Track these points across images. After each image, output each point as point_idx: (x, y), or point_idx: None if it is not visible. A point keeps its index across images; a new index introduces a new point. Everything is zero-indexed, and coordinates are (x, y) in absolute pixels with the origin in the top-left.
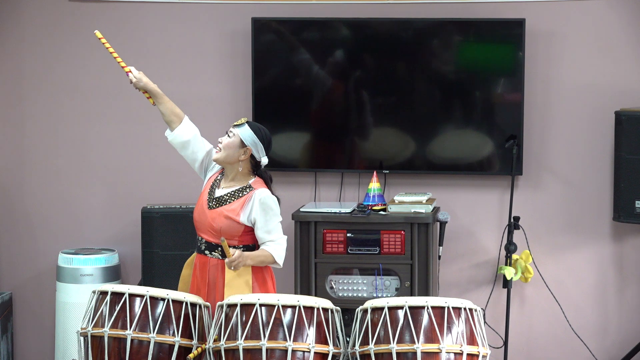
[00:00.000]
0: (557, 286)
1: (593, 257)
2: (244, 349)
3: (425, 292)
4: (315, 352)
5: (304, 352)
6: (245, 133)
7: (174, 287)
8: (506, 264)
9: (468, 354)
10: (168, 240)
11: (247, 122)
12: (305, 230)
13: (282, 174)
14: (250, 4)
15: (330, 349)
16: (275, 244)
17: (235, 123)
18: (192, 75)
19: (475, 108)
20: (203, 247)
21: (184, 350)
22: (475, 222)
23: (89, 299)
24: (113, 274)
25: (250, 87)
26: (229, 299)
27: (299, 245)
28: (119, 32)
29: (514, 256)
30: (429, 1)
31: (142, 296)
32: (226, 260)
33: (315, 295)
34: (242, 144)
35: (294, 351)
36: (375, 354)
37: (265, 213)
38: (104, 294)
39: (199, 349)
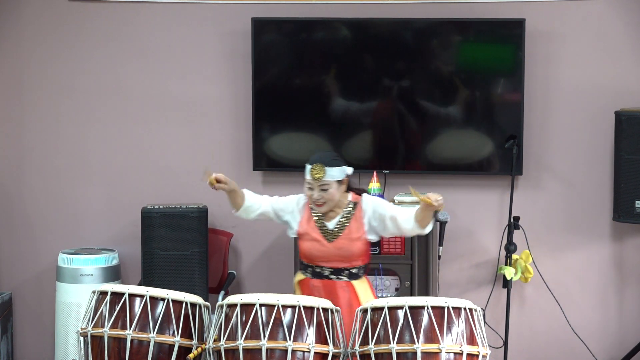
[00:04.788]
0: (557, 286)
1: (593, 257)
2: (244, 349)
3: (425, 292)
4: (315, 352)
5: (303, 352)
6: (334, 172)
7: (174, 287)
8: (506, 264)
9: (468, 354)
10: (168, 240)
11: (321, 164)
12: None
13: (282, 174)
14: (250, 4)
15: (330, 349)
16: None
17: (316, 175)
18: (192, 75)
19: (475, 108)
20: (327, 273)
21: (184, 350)
22: (475, 222)
23: (88, 299)
24: (113, 274)
25: (250, 87)
26: (229, 299)
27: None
28: (119, 32)
29: (514, 256)
30: (429, 1)
31: (142, 296)
32: (436, 199)
33: None
34: (339, 182)
35: (294, 351)
36: (375, 354)
37: (380, 205)
38: (103, 294)
39: (199, 349)
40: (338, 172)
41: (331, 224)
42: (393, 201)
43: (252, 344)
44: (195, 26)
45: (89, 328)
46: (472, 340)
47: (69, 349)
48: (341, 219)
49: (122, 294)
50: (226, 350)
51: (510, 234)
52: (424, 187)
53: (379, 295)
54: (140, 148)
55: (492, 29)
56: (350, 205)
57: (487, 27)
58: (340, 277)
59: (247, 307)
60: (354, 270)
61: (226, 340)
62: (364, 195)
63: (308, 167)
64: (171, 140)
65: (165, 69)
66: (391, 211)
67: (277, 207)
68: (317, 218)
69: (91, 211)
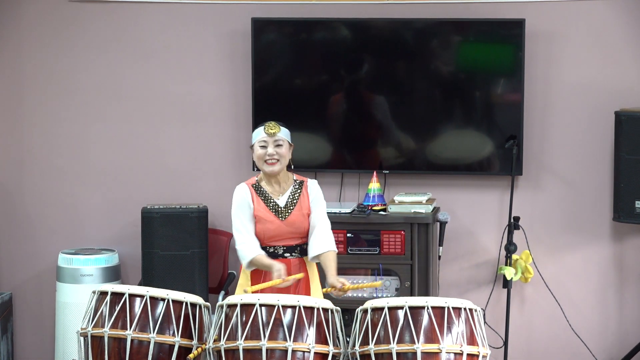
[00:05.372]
0: (557, 286)
1: (593, 257)
2: (244, 349)
3: (425, 292)
4: (315, 352)
5: (304, 352)
6: (286, 132)
7: (174, 287)
8: (506, 264)
9: (468, 354)
10: (168, 240)
11: (276, 122)
12: None
13: None
14: (250, 4)
15: (330, 349)
16: (328, 236)
17: (271, 130)
18: (192, 75)
19: (475, 108)
20: (281, 252)
21: (184, 351)
22: (475, 222)
23: (89, 299)
24: (113, 274)
25: (250, 87)
26: (229, 299)
27: None
28: (119, 32)
29: (514, 256)
30: (429, 1)
31: (142, 296)
32: (335, 292)
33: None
34: (289, 145)
35: (294, 351)
36: (375, 354)
37: (321, 199)
38: (104, 294)
39: (199, 349)
40: (288, 134)
41: (281, 201)
42: (393, 201)
43: (252, 344)
44: (195, 26)
45: (89, 328)
46: (472, 341)
47: (69, 349)
48: (290, 195)
49: (122, 294)
50: (226, 351)
51: (510, 234)
52: (424, 187)
53: (379, 295)
54: (140, 148)
55: (492, 29)
56: (297, 183)
57: (487, 27)
58: (293, 254)
59: (247, 307)
60: (304, 247)
61: (226, 340)
62: (309, 180)
63: (258, 128)
64: (171, 140)
65: (165, 69)
66: (318, 216)
67: (247, 219)
68: (264, 198)
69: (91, 211)
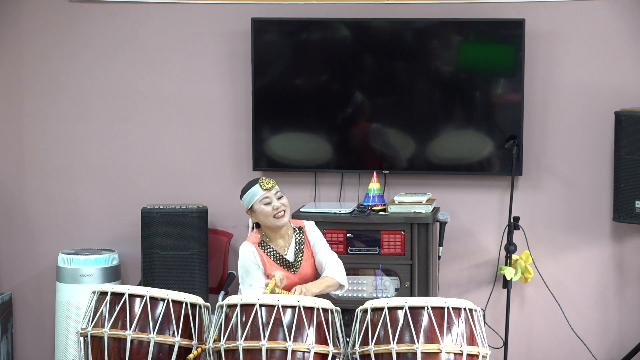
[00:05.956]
0: (557, 286)
1: (593, 257)
2: (243, 349)
3: (425, 292)
4: (315, 353)
5: (303, 352)
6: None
7: (174, 288)
8: (506, 264)
9: (468, 354)
10: (168, 241)
11: (264, 177)
12: None
13: (282, 174)
14: (250, 4)
15: (330, 349)
16: (334, 267)
17: (268, 185)
18: (192, 75)
19: (475, 108)
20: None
21: (184, 351)
22: (475, 222)
23: (88, 299)
24: (113, 274)
25: (250, 87)
26: (229, 299)
27: None
28: (119, 32)
29: (514, 256)
30: (429, 1)
31: (142, 296)
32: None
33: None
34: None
35: (293, 351)
36: (375, 354)
37: (320, 238)
38: (103, 294)
39: (199, 349)
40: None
41: (289, 255)
42: (393, 201)
43: (252, 344)
44: (195, 26)
45: (89, 328)
46: (472, 341)
47: (69, 349)
48: (296, 247)
49: (122, 294)
50: (226, 351)
51: (510, 234)
52: (424, 187)
53: (379, 295)
54: (140, 148)
55: (492, 29)
56: (297, 231)
57: (487, 27)
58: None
59: (247, 308)
60: None
61: (226, 340)
62: (305, 223)
63: (253, 188)
64: (171, 140)
65: (166, 69)
66: (324, 254)
67: (259, 276)
68: (273, 257)
69: (91, 211)
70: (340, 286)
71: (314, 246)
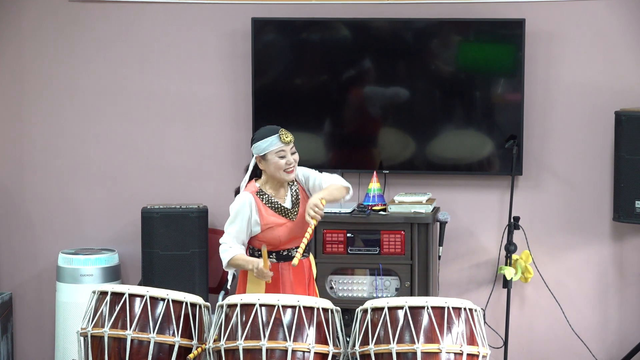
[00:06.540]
0: (557, 286)
1: (593, 257)
2: (244, 349)
3: (425, 292)
4: (315, 352)
5: (304, 352)
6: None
7: (174, 287)
8: (506, 264)
9: (468, 354)
10: (168, 240)
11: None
12: None
13: None
14: (250, 4)
15: (330, 349)
16: (331, 176)
17: (287, 139)
18: (192, 75)
19: (475, 108)
20: (294, 253)
21: (184, 351)
22: (475, 222)
23: (88, 299)
24: (113, 274)
25: (250, 87)
26: (229, 299)
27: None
28: (119, 32)
29: (514, 256)
30: (429, 1)
31: (142, 296)
32: (311, 212)
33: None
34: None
35: (294, 351)
36: (375, 354)
37: (306, 170)
38: (103, 294)
39: (199, 349)
40: None
41: (287, 203)
42: (393, 201)
43: (252, 344)
44: (195, 26)
45: (89, 328)
46: (472, 341)
47: (69, 349)
48: (293, 195)
49: (122, 294)
50: (226, 351)
51: (510, 234)
52: (424, 187)
53: (379, 295)
54: (140, 148)
55: (492, 29)
56: (292, 182)
57: (487, 27)
58: (304, 254)
59: (247, 307)
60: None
61: (226, 340)
62: (298, 169)
63: (271, 138)
64: (171, 140)
65: (166, 69)
66: (316, 177)
67: (243, 228)
68: (270, 205)
69: (91, 211)
70: (346, 189)
71: (305, 183)
